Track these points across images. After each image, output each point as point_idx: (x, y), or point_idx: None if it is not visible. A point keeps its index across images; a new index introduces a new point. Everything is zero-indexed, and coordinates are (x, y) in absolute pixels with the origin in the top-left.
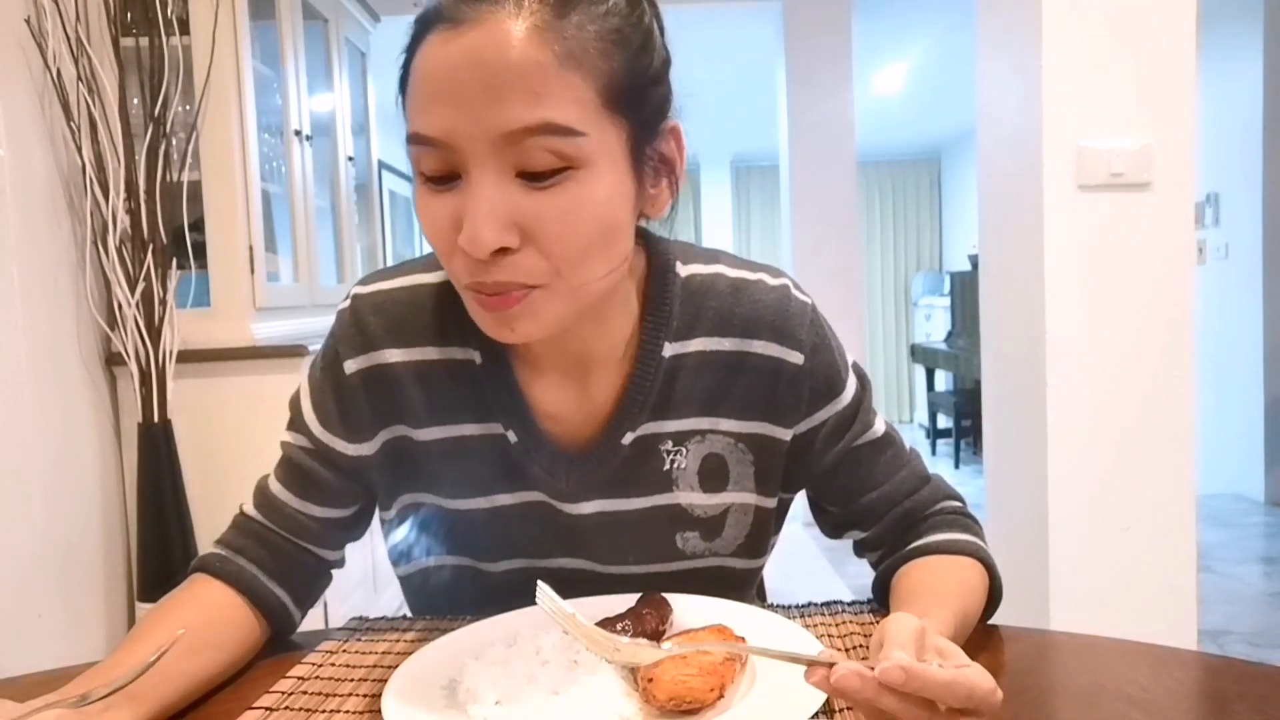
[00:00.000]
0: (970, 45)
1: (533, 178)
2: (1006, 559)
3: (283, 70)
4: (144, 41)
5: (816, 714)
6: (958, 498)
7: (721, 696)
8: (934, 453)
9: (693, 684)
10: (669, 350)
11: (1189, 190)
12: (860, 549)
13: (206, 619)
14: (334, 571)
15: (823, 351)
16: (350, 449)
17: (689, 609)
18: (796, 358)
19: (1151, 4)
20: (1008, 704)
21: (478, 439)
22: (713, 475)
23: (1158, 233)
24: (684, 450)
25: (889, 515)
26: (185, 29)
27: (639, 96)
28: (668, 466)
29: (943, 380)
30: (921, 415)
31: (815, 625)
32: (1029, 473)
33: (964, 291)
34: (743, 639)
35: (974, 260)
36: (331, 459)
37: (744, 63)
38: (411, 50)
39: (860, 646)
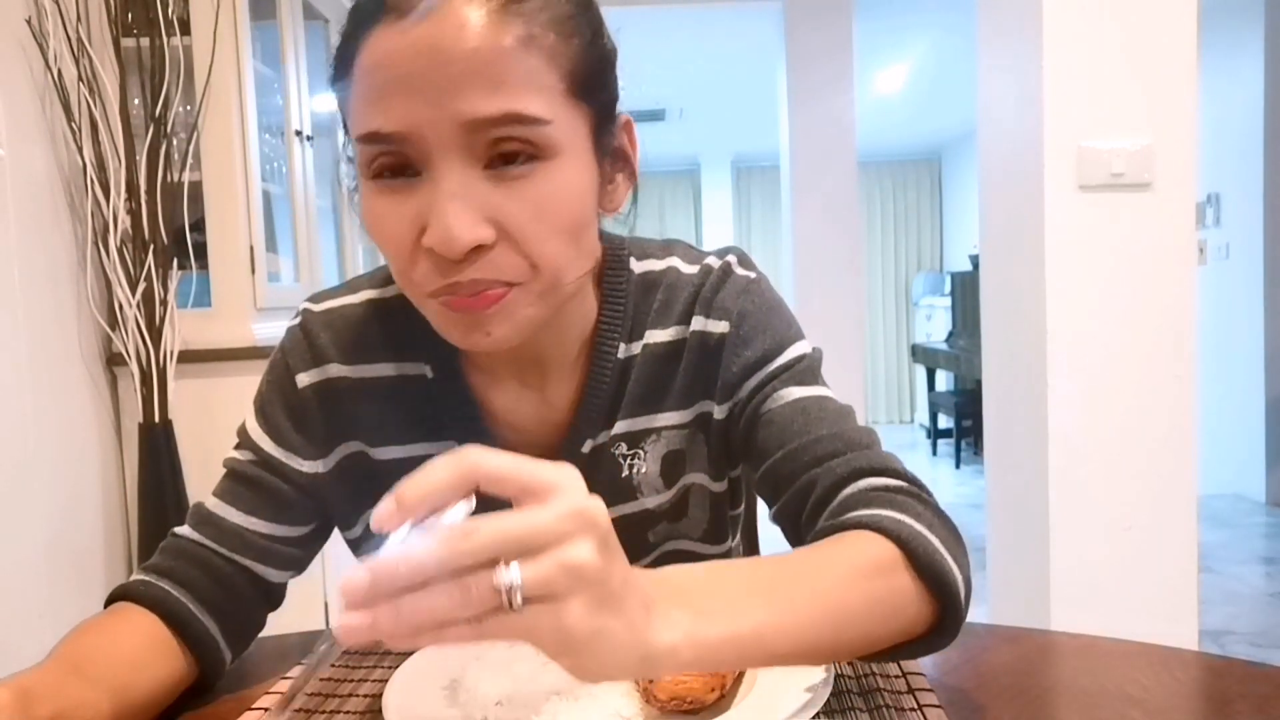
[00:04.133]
0: (970, 45)
1: (500, 169)
2: (1007, 559)
3: (283, 70)
4: (145, 42)
5: (817, 714)
6: (901, 474)
7: (722, 696)
8: (935, 453)
9: (693, 684)
10: (623, 351)
11: (1190, 190)
12: (783, 529)
13: (123, 651)
14: (335, 574)
15: (753, 318)
16: (304, 465)
17: None
18: (721, 326)
19: (1152, 4)
20: (1008, 704)
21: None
22: (673, 468)
23: (1159, 233)
24: (641, 453)
25: (796, 484)
26: (186, 29)
27: (598, 83)
28: (626, 473)
29: (944, 380)
30: (922, 415)
31: None
32: (1030, 473)
33: (965, 291)
34: None
35: (975, 260)
36: (284, 473)
37: (744, 63)
38: (351, 46)
39: None
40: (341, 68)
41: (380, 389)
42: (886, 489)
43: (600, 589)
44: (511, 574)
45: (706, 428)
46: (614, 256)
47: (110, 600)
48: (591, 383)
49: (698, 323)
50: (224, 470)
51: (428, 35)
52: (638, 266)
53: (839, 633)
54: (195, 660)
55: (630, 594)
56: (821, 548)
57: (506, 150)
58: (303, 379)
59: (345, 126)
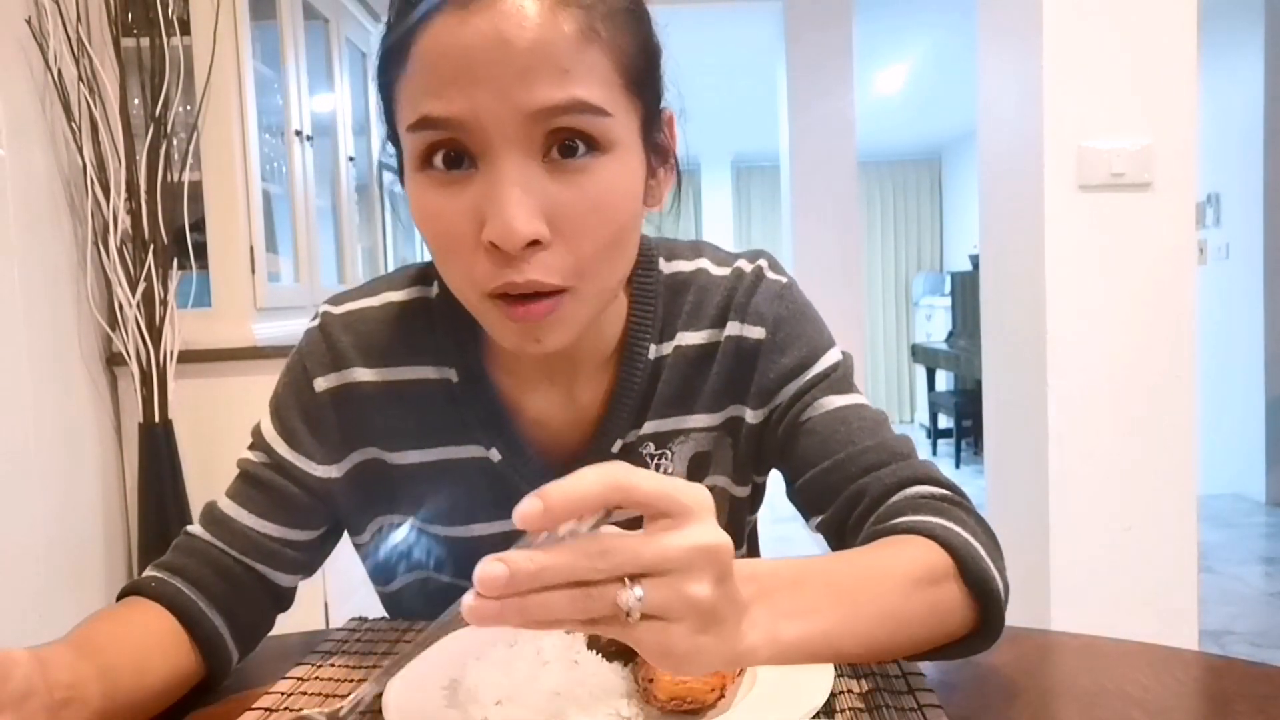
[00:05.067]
0: (970, 45)
1: (559, 160)
2: (1008, 559)
3: (283, 70)
4: (145, 42)
5: (817, 714)
6: (943, 483)
7: (722, 696)
8: (935, 453)
9: (693, 684)
10: (653, 352)
11: (1190, 190)
12: (826, 537)
13: (127, 636)
14: (335, 574)
15: (789, 324)
16: (317, 470)
17: None
18: (758, 332)
19: (1152, 4)
20: (1008, 704)
21: (458, 462)
22: (699, 470)
23: (1159, 233)
24: (669, 453)
25: (844, 494)
26: (186, 29)
27: (650, 78)
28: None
29: (944, 380)
30: (922, 415)
31: None
32: (1030, 473)
33: (965, 291)
34: None
35: (975, 260)
36: (296, 477)
37: (744, 63)
38: (405, 37)
39: None
40: (392, 59)
41: (403, 392)
42: (933, 497)
43: (710, 616)
44: (633, 596)
45: (736, 432)
46: (644, 256)
47: (123, 594)
48: (622, 383)
49: (733, 327)
50: (237, 470)
51: (492, 25)
52: (667, 267)
53: (895, 635)
54: (203, 658)
55: (730, 609)
56: (881, 552)
57: (567, 141)
58: (320, 383)
59: (390, 124)
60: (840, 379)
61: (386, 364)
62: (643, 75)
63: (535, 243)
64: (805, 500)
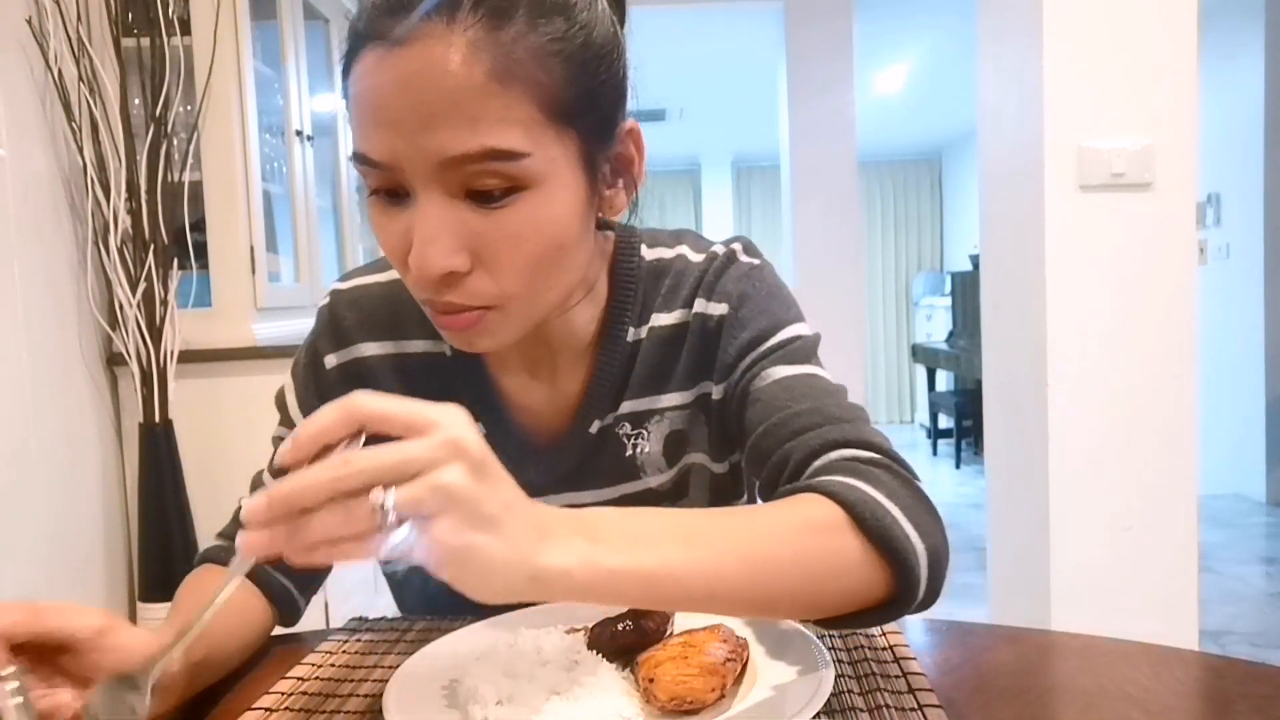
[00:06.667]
0: (970, 45)
1: (482, 199)
2: (1007, 559)
3: (284, 70)
4: (145, 42)
5: (817, 714)
6: (876, 446)
7: (722, 696)
8: (935, 453)
9: (693, 684)
10: (632, 335)
11: (1190, 190)
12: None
13: (229, 606)
14: (335, 574)
15: (752, 301)
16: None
17: None
18: (720, 309)
19: (1152, 4)
20: (1008, 704)
21: None
22: (675, 448)
23: (1159, 233)
24: (645, 433)
25: (773, 458)
26: (186, 29)
27: (587, 106)
28: (630, 452)
29: (944, 380)
30: (923, 415)
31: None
32: (1030, 473)
33: (965, 291)
34: (743, 640)
35: (975, 260)
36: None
37: (744, 63)
38: (348, 63)
39: (862, 647)
40: (345, 79)
41: (405, 365)
42: (855, 459)
43: (471, 507)
44: (385, 495)
45: (708, 408)
46: (626, 245)
47: (198, 562)
48: (601, 367)
49: (699, 305)
50: (271, 446)
51: (404, 71)
52: (649, 254)
53: (764, 582)
54: (278, 610)
55: (515, 518)
56: (761, 506)
57: (485, 183)
58: (330, 360)
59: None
60: (796, 350)
61: (390, 337)
62: (575, 105)
63: (454, 273)
64: (749, 468)
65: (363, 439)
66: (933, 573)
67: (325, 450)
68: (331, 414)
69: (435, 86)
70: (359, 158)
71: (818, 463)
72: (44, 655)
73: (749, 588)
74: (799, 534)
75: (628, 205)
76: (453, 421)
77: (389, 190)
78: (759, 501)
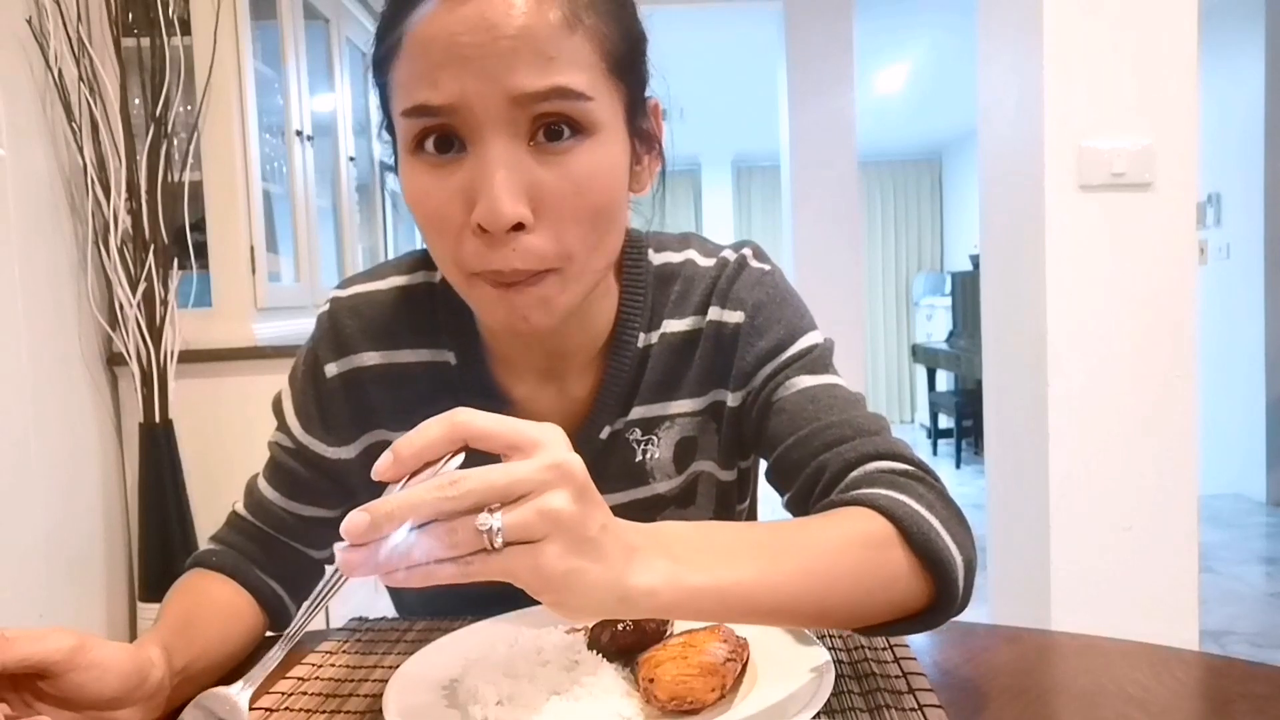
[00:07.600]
0: (970, 45)
1: (544, 144)
2: (1007, 559)
3: (284, 70)
4: (145, 42)
5: (818, 714)
6: (907, 458)
7: (722, 697)
8: (935, 453)
9: (694, 684)
10: (643, 340)
11: (1191, 190)
12: (793, 515)
13: (209, 608)
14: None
15: (768, 309)
16: (330, 451)
17: None
18: (737, 317)
19: (1152, 4)
20: (1008, 704)
21: None
22: (684, 454)
23: (1159, 233)
24: (655, 439)
25: (806, 470)
26: (186, 29)
27: (633, 64)
28: (640, 458)
29: (944, 380)
30: (923, 415)
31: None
32: (1030, 473)
33: (965, 291)
34: (743, 640)
35: (975, 260)
36: (313, 460)
37: (744, 63)
38: (397, 25)
39: (862, 647)
40: (385, 47)
41: (406, 374)
42: (891, 472)
43: (576, 533)
44: (493, 518)
45: (719, 416)
46: (633, 249)
47: (189, 566)
48: (612, 372)
49: (714, 313)
50: (268, 451)
51: (478, 12)
52: (656, 258)
53: (824, 596)
54: (267, 615)
55: (610, 540)
56: (815, 519)
57: (551, 125)
58: (330, 369)
59: (386, 110)
60: (815, 360)
61: (390, 346)
62: (626, 62)
63: (519, 227)
64: (775, 478)
65: (462, 456)
66: (966, 582)
67: (424, 466)
68: (435, 430)
69: (510, 24)
70: (417, 109)
71: (854, 474)
72: (20, 683)
73: (809, 600)
74: (854, 548)
75: (651, 184)
76: (556, 442)
77: (442, 139)
78: (786, 514)
